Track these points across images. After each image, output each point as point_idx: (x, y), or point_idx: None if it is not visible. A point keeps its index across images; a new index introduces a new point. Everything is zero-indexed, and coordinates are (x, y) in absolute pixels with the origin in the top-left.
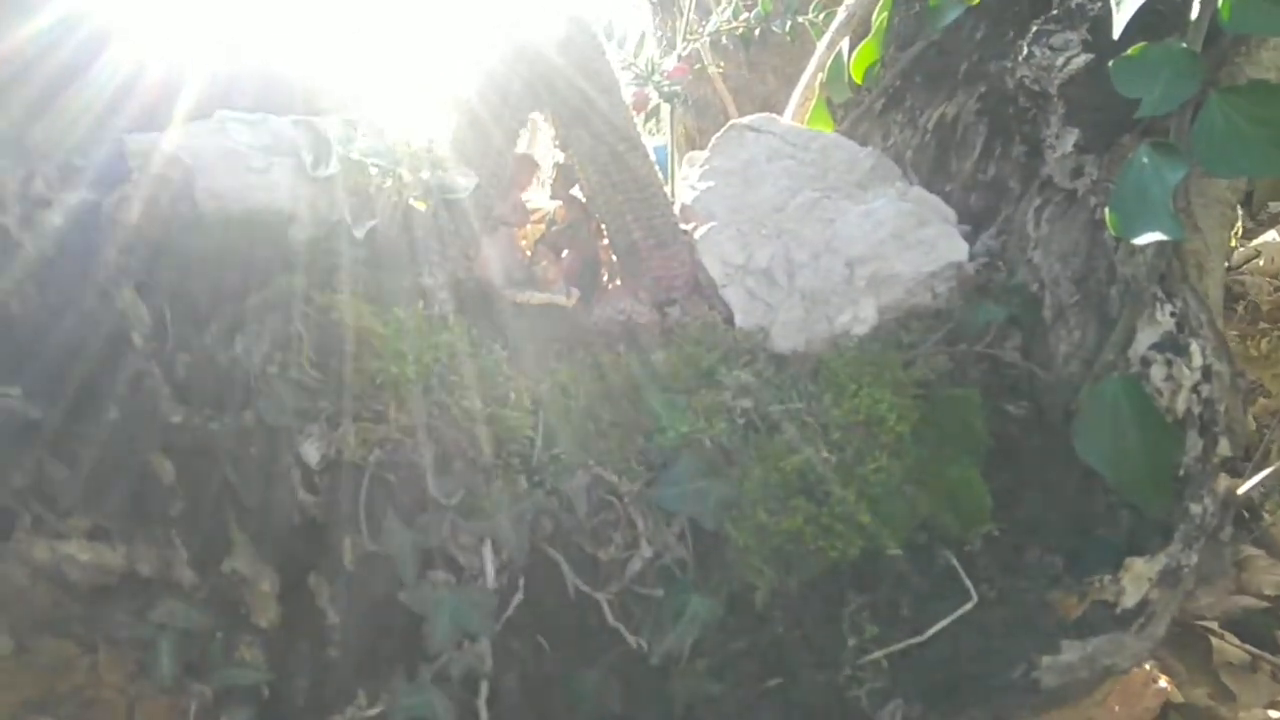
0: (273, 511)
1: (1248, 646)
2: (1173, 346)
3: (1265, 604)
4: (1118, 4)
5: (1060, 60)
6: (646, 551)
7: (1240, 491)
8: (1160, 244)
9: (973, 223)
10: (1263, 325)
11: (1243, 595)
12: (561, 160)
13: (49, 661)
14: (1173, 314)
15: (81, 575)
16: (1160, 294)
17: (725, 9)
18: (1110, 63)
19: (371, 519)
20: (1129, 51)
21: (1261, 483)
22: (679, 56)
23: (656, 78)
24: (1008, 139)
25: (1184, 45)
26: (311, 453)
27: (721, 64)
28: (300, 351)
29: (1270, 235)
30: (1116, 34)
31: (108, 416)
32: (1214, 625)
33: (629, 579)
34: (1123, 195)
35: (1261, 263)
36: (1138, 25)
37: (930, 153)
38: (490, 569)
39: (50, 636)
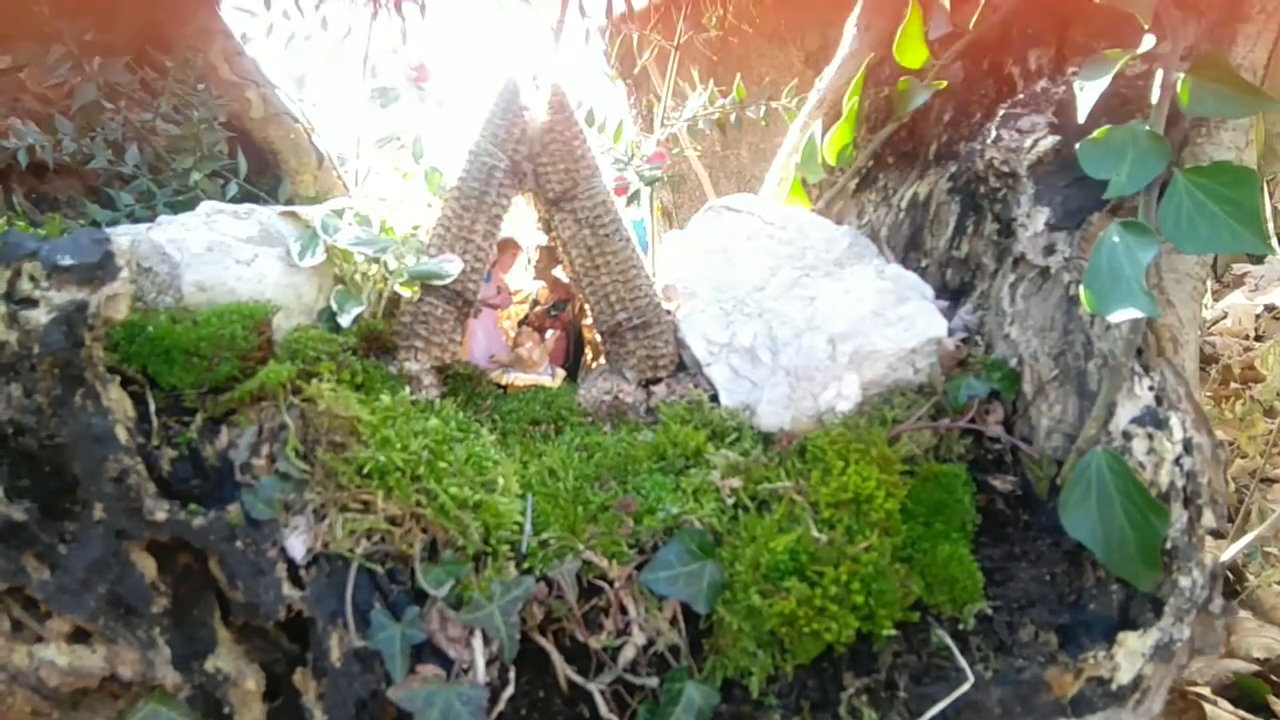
0: (259, 607)
1: (1241, 712)
2: (1153, 420)
3: (1255, 667)
4: (1081, 88)
5: (1028, 142)
6: (639, 638)
7: (1226, 556)
8: (1135, 320)
9: (948, 298)
10: (1235, 386)
11: (1232, 659)
12: (545, 243)
13: None
14: (1151, 388)
15: (61, 680)
16: (1138, 368)
17: (701, 95)
18: (1077, 145)
19: (359, 613)
20: (1095, 134)
21: (1245, 546)
22: (657, 141)
23: (636, 162)
24: (980, 217)
25: (1147, 128)
26: (297, 546)
27: (699, 146)
28: (286, 442)
29: (1235, 296)
30: (1082, 118)
31: (91, 515)
32: (1206, 691)
33: (622, 667)
34: (1096, 273)
35: (1229, 323)
36: (1102, 108)
37: (904, 230)
38: (481, 662)
39: None
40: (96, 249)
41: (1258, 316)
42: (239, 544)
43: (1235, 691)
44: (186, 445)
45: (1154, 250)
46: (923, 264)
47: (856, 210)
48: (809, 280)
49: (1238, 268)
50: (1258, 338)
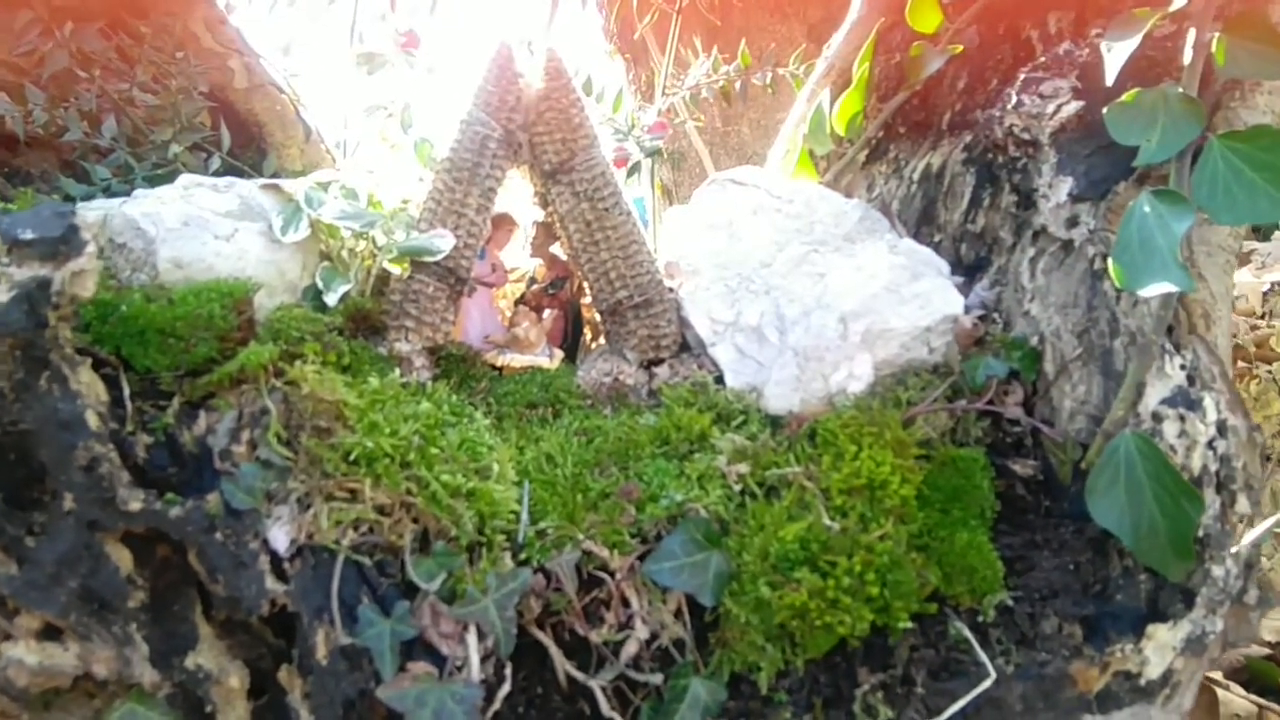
0: (241, 601)
1: (1253, 696)
2: (1185, 401)
3: (1267, 650)
4: (1108, 49)
5: (1050, 108)
6: (642, 632)
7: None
8: (1166, 295)
9: (964, 274)
10: (1241, 365)
11: None
12: (542, 218)
13: None
14: (1183, 367)
15: (31, 680)
16: (1168, 347)
17: (704, 62)
18: (1104, 110)
19: (345, 607)
20: (1123, 97)
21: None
22: (658, 111)
23: (637, 133)
24: (996, 188)
25: (1180, 90)
26: (280, 538)
27: (701, 117)
28: (268, 428)
29: (1242, 274)
30: (1110, 80)
31: (61, 505)
32: (1218, 676)
33: (624, 663)
34: (1126, 246)
35: (1237, 302)
36: (1129, 72)
37: (917, 204)
38: (475, 658)
39: None
40: (60, 222)
41: (1265, 294)
42: (219, 535)
43: (1246, 675)
44: (163, 431)
45: (1189, 220)
46: (936, 238)
47: (866, 183)
48: (818, 256)
49: (1247, 244)
50: (1262, 316)
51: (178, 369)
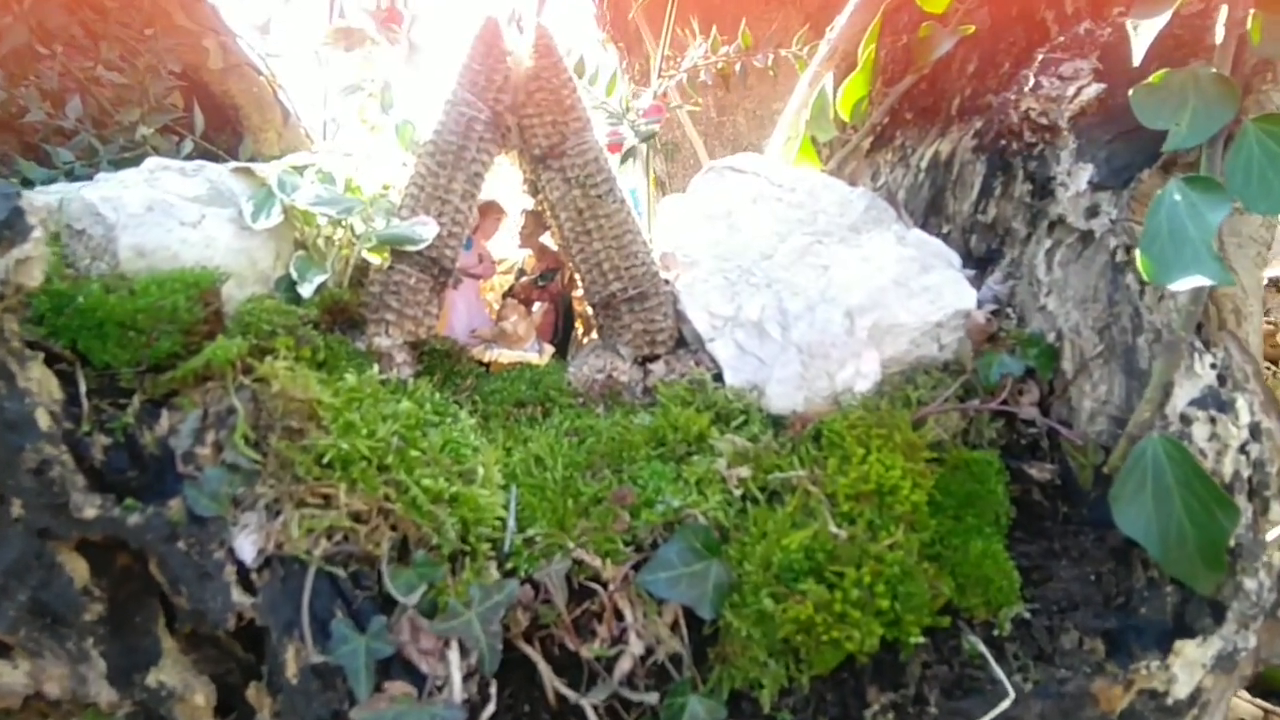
0: (205, 615)
1: (1259, 701)
2: (1216, 402)
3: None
4: (1135, 28)
5: (1070, 90)
6: (636, 647)
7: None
8: (1196, 289)
9: (974, 267)
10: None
11: None
12: (531, 206)
13: None
14: (1213, 366)
15: None
16: (1198, 344)
17: (701, 44)
18: (1130, 91)
19: (317, 622)
20: (1151, 78)
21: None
22: (654, 94)
23: (632, 117)
24: (1009, 177)
25: (1213, 70)
26: (247, 547)
27: (700, 101)
28: (235, 429)
29: None
30: (1137, 60)
31: (9, 512)
32: None
33: (618, 680)
34: (1155, 237)
35: None
36: (1154, 53)
37: (924, 193)
38: (457, 676)
39: None
40: (3, 205)
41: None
42: (181, 544)
43: (1254, 679)
44: (122, 431)
45: (1224, 209)
46: (944, 229)
47: (871, 171)
48: (822, 247)
49: None
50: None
51: (139, 365)
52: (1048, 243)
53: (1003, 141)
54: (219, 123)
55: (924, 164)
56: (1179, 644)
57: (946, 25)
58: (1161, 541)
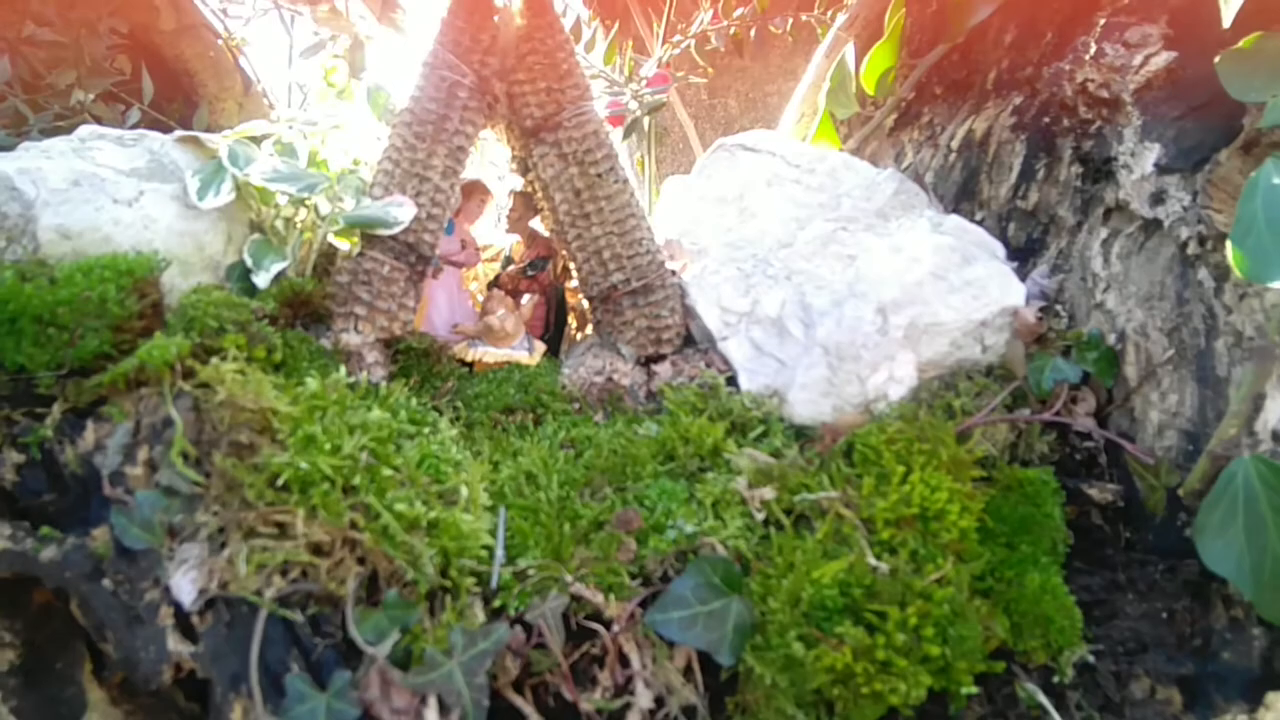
0: (136, 666)
1: None
2: None
3: None
4: None
5: (1138, 59)
6: (644, 698)
7: None
8: None
9: (1012, 258)
10: None
11: None
12: (521, 186)
13: None
14: None
15: None
16: None
17: (709, 10)
18: (1216, 59)
19: (269, 676)
20: (1241, 43)
21: None
22: (659, 62)
23: (635, 86)
24: (1053, 158)
25: None
26: (186, 586)
27: (710, 70)
28: (172, 444)
29: None
30: (1227, 22)
31: None
32: None
33: None
34: (1250, 228)
35: None
36: (1243, 14)
37: (955, 176)
38: None
39: None
40: None
41: None
42: (107, 582)
43: None
44: (38, 446)
45: None
46: (978, 216)
47: (895, 152)
48: (847, 235)
49: None
50: None
51: (59, 367)
52: (1103, 232)
53: (1047, 119)
54: (171, 90)
55: (955, 144)
56: (1270, 696)
57: None
58: (1254, 578)
